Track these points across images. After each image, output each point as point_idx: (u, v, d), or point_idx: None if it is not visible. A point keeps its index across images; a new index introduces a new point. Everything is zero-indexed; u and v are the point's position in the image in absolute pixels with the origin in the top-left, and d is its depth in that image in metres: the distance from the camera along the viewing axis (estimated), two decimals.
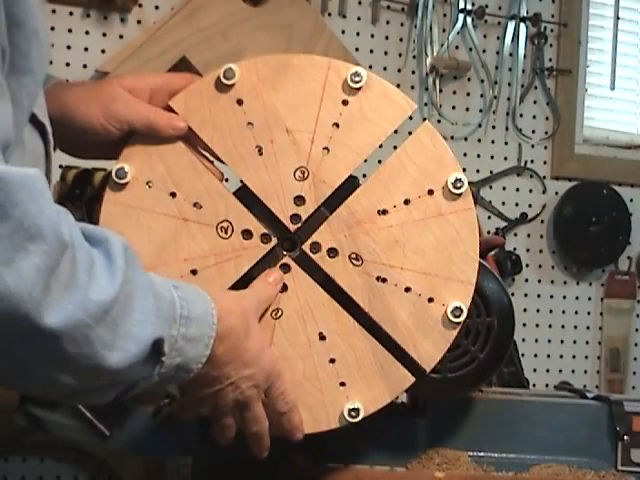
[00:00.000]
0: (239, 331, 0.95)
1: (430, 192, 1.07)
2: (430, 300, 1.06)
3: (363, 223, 1.07)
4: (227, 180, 1.12)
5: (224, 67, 1.07)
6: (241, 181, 1.09)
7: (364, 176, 1.10)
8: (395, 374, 1.07)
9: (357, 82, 1.07)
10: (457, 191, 1.06)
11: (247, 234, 1.07)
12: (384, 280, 1.06)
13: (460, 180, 1.06)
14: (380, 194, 1.07)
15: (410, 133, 1.09)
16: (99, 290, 0.76)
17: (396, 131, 1.09)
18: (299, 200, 1.07)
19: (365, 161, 1.09)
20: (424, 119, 1.99)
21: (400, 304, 1.06)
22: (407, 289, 1.06)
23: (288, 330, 1.06)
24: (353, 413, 1.05)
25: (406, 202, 1.07)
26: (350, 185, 1.09)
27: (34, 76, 0.80)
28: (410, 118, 1.10)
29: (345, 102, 1.08)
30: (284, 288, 1.07)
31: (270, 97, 1.07)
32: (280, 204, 1.07)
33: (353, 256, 1.07)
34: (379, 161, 1.10)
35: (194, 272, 1.06)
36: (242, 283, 1.07)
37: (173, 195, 1.07)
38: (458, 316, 1.05)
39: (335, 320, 1.07)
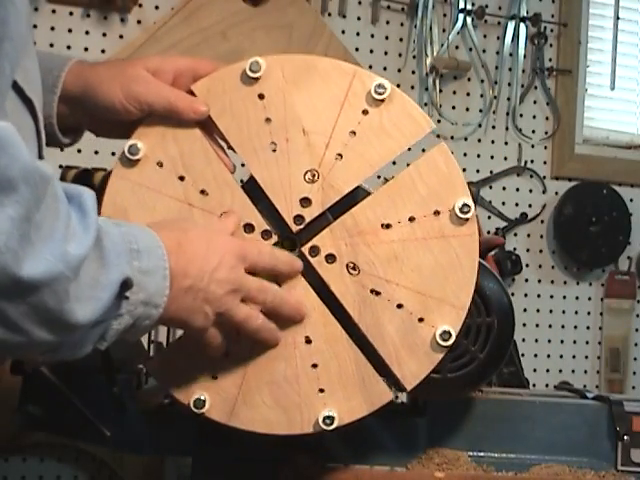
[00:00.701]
0: (177, 235, 0.95)
1: (436, 213, 1.06)
2: (420, 320, 1.06)
3: (365, 234, 1.06)
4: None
5: (251, 59, 1.07)
6: (251, 175, 1.09)
7: None
8: (375, 388, 1.06)
9: (380, 94, 1.06)
10: (463, 216, 1.05)
11: (249, 228, 1.07)
12: (378, 293, 1.06)
13: (467, 205, 1.06)
14: (386, 208, 1.06)
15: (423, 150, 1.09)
16: (76, 244, 0.77)
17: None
18: (305, 202, 1.07)
19: None
20: None
21: (390, 319, 1.06)
22: (399, 306, 1.06)
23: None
24: (328, 421, 1.04)
25: (411, 219, 1.06)
26: (358, 194, 1.08)
27: (13, 43, 0.80)
28: None
29: (365, 112, 1.07)
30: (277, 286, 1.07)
31: (292, 96, 1.07)
32: (286, 203, 1.07)
33: (351, 265, 1.06)
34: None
35: None
36: None
37: (182, 179, 1.07)
38: (446, 340, 1.05)
39: (323, 326, 1.06)
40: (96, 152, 1.98)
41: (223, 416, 1.06)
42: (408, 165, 1.08)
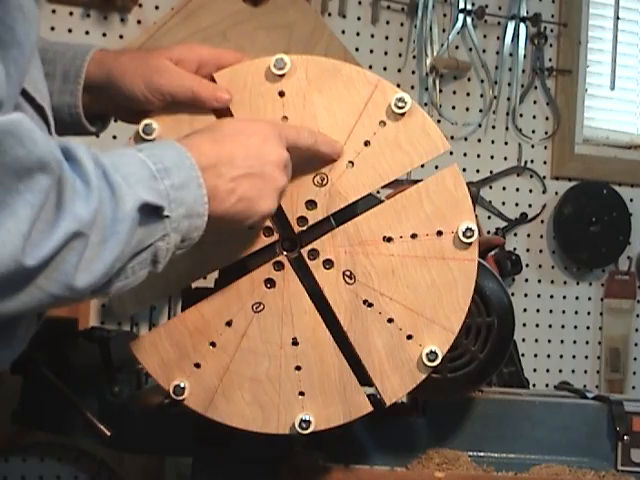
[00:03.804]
0: (210, 135, 0.95)
1: (439, 233, 1.06)
2: (409, 337, 1.06)
3: (366, 244, 1.06)
4: None
5: (277, 56, 1.07)
6: None
7: None
8: (355, 399, 1.06)
9: (400, 108, 1.06)
10: (466, 240, 1.05)
11: None
12: (370, 305, 1.06)
13: (471, 230, 1.05)
14: (390, 221, 1.06)
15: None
16: (83, 202, 0.77)
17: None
18: (311, 204, 1.07)
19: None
20: None
21: (379, 332, 1.06)
22: (390, 320, 1.06)
23: (264, 326, 1.06)
24: (304, 424, 1.05)
25: (413, 236, 1.06)
26: (364, 204, 1.08)
27: (21, 49, 0.80)
28: None
29: (383, 123, 1.07)
30: (272, 284, 1.07)
31: (312, 97, 1.07)
32: (292, 203, 1.07)
33: (347, 273, 1.06)
34: None
35: None
36: (233, 270, 1.07)
37: None
38: (432, 360, 1.05)
39: (312, 330, 1.06)
40: None
41: (201, 406, 1.06)
42: (415, 181, 1.08)
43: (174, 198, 0.85)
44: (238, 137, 0.95)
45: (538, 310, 2.43)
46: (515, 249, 2.39)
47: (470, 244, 1.06)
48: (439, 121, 2.29)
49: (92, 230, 0.78)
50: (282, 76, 1.07)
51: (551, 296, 2.44)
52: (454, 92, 2.36)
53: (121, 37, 2.07)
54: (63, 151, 0.79)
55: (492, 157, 2.40)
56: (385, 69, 2.30)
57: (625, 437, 1.31)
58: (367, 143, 1.07)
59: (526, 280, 2.42)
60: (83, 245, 0.77)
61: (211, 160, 0.91)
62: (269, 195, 0.96)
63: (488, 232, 2.35)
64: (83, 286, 0.79)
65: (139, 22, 2.09)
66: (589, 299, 2.47)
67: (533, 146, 2.43)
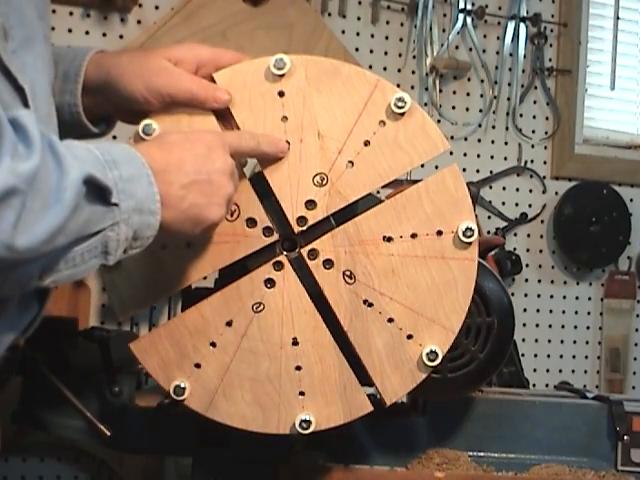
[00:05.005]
0: (154, 143, 0.96)
1: (439, 233, 1.06)
2: (409, 337, 1.06)
3: (366, 244, 1.06)
4: None
5: (276, 56, 1.07)
6: (260, 170, 1.09)
7: None
8: (355, 399, 1.06)
9: (400, 107, 1.06)
10: (466, 240, 1.06)
11: (251, 222, 1.07)
12: (370, 305, 1.06)
13: (471, 229, 1.06)
14: (390, 221, 1.07)
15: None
16: (24, 160, 0.76)
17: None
18: (311, 204, 1.07)
19: None
20: None
21: (379, 332, 1.06)
22: (390, 320, 1.06)
23: (264, 326, 1.06)
24: (304, 424, 1.05)
25: (413, 236, 1.06)
26: (364, 204, 1.08)
27: None
28: None
29: (382, 123, 1.07)
30: (272, 284, 1.07)
31: (312, 98, 1.07)
32: (292, 203, 1.07)
33: (347, 273, 1.06)
34: None
35: (188, 244, 1.06)
36: (233, 270, 1.07)
37: None
38: (432, 360, 1.05)
39: (312, 330, 1.06)
40: None
41: (201, 406, 1.06)
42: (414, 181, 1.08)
43: (122, 189, 0.85)
44: (184, 145, 0.95)
45: (538, 310, 2.43)
46: (515, 249, 2.39)
47: (470, 244, 1.06)
48: (439, 121, 2.29)
49: (32, 190, 0.76)
50: (282, 76, 1.07)
51: (551, 296, 2.44)
52: (454, 92, 2.36)
53: (121, 37, 2.07)
54: (11, 121, 0.77)
55: (492, 157, 2.40)
56: (385, 69, 2.30)
57: (625, 437, 1.31)
58: (367, 143, 1.07)
59: (526, 280, 2.42)
60: (21, 203, 0.75)
61: (161, 166, 0.90)
62: (218, 202, 0.95)
63: (488, 232, 2.35)
64: (23, 247, 0.76)
65: (139, 22, 2.09)
66: (589, 299, 2.47)
67: (533, 146, 2.43)
